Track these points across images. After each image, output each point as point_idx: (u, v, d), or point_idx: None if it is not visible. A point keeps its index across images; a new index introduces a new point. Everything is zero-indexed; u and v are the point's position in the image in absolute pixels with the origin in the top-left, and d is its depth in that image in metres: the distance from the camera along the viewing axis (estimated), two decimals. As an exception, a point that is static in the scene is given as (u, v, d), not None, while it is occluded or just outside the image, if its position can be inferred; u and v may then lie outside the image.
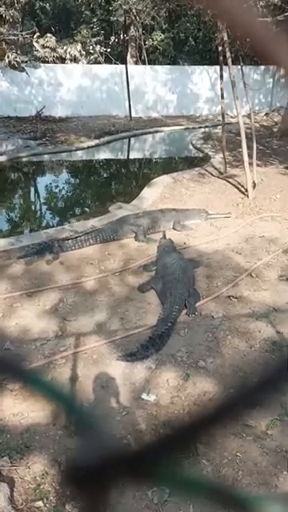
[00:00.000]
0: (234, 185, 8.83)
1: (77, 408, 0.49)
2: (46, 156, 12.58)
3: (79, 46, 21.55)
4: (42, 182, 11.08)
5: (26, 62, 13.64)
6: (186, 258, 5.40)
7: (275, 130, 14.75)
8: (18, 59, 15.02)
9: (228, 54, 7.85)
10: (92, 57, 22.11)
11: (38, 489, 2.62)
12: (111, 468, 0.41)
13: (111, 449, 0.42)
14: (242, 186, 8.51)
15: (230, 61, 7.87)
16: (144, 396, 3.33)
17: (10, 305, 4.59)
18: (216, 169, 10.09)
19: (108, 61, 21.85)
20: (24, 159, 12.05)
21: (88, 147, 13.34)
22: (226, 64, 8.07)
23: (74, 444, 2.88)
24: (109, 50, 21.93)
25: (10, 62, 14.80)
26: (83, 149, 13.23)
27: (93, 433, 0.44)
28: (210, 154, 11.87)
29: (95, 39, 22.10)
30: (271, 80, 19.96)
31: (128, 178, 11.61)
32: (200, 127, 16.83)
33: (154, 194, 8.37)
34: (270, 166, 10.37)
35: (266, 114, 18.88)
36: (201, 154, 12.62)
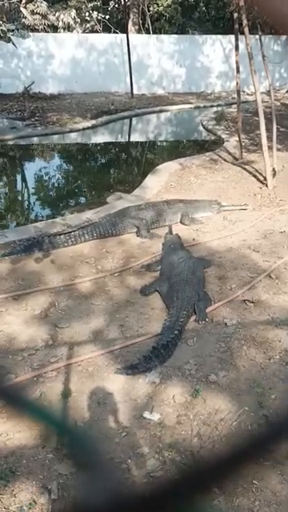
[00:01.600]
0: (250, 172, 8.81)
1: (69, 429, 0.49)
2: (35, 139, 12.58)
3: (73, 13, 21.54)
4: (31, 168, 11.09)
5: (13, 30, 13.62)
6: (195, 257, 5.39)
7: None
8: (3, 28, 15.00)
9: (245, 22, 7.82)
10: (88, 25, 22.09)
11: (24, 520, 2.63)
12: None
13: (122, 491, 0.42)
14: (261, 174, 8.49)
15: (246, 29, 7.83)
16: (147, 415, 3.33)
17: (-6, 309, 4.60)
18: (230, 154, 10.06)
19: (106, 29, 21.83)
20: (10, 142, 12.05)
21: (83, 129, 13.34)
22: (243, 33, 8.03)
23: (65, 469, 2.89)
24: (107, 16, 21.89)
25: (-6, 30, 14.77)
26: (78, 130, 13.23)
27: (98, 469, 0.44)
28: (224, 136, 11.85)
29: (92, 4, 22.07)
30: (294, 51, 19.89)
31: (129, 165, 11.61)
32: (212, 106, 16.81)
33: (159, 183, 8.36)
34: (293, 151, 10.34)
35: (288, 91, 18.82)
36: (213, 137, 12.60)
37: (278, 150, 8.48)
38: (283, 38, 19.53)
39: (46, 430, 0.49)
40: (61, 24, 21.41)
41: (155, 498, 0.41)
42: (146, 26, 22.18)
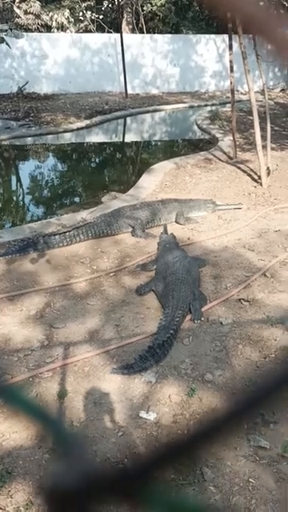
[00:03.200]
0: (245, 171, 8.83)
1: (63, 429, 0.49)
2: (29, 139, 12.56)
3: (67, 13, 21.51)
4: (25, 168, 11.06)
5: (6, 30, 13.59)
6: (190, 256, 5.39)
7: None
8: (-4, 27, 14.95)
9: (238, 21, 7.83)
10: (82, 24, 22.07)
11: (21, 521, 2.62)
12: (96, 490, 0.41)
13: (95, 469, 0.42)
14: (255, 173, 8.51)
15: (240, 29, 7.85)
16: (143, 414, 3.34)
17: (-11, 310, 4.59)
18: (225, 153, 10.08)
19: (100, 29, 21.81)
20: (4, 142, 12.01)
21: (77, 129, 13.32)
22: (236, 32, 8.05)
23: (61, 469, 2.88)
24: (101, 16, 21.88)
25: (-13, 30, 14.72)
26: (72, 130, 13.21)
27: (76, 452, 0.44)
28: (218, 136, 11.87)
29: (85, 4, 22.05)
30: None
31: (123, 164, 11.60)
32: (206, 105, 16.82)
33: (154, 183, 8.36)
34: (287, 150, 10.37)
35: (282, 90, 18.88)
36: (207, 136, 12.61)
37: (272, 148, 8.51)
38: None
39: (43, 430, 0.49)
40: (54, 24, 21.39)
41: (129, 475, 0.41)
42: (140, 25, 22.18)
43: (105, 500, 0.41)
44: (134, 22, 22.37)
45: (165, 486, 0.40)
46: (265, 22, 0.41)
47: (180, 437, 0.40)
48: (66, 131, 13.08)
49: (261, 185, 8.00)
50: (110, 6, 21.69)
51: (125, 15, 21.68)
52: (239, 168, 9.04)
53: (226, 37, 11.34)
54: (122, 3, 20.23)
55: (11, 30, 13.57)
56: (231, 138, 9.90)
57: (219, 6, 0.41)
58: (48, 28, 21.18)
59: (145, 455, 0.41)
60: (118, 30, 18.63)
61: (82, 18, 21.85)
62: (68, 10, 21.70)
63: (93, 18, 21.87)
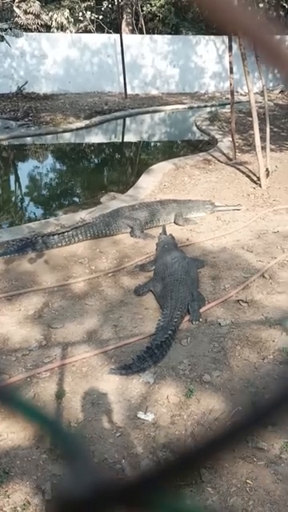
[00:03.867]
0: (244, 172, 8.84)
1: (62, 430, 0.49)
2: (28, 139, 12.55)
3: (67, 13, 21.51)
4: (24, 168, 11.06)
5: (6, 30, 13.59)
6: (188, 257, 5.40)
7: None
8: (-4, 27, 14.95)
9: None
10: (82, 25, 22.07)
11: (18, 521, 2.62)
12: (103, 500, 0.42)
13: (103, 478, 0.42)
14: (254, 174, 8.52)
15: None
16: (141, 415, 3.34)
17: (-13, 310, 4.59)
18: (224, 154, 10.09)
19: (100, 29, 21.82)
20: (3, 142, 12.00)
21: (77, 129, 13.32)
22: (236, 33, 8.05)
23: (59, 469, 2.88)
24: (101, 16, 21.89)
25: (-14, 30, 14.72)
26: (71, 130, 13.21)
27: (82, 459, 0.45)
28: (217, 137, 11.87)
29: (85, 4, 22.05)
30: None
31: (122, 165, 11.60)
32: (205, 106, 16.83)
33: (153, 183, 8.37)
34: (286, 151, 10.38)
35: (282, 92, 18.90)
36: (206, 137, 12.62)
37: (272, 150, 8.51)
38: (277, 37, 19.57)
39: (40, 430, 0.50)
40: (54, 24, 21.38)
41: (137, 486, 0.41)
42: (140, 26, 22.19)
43: (110, 510, 0.41)
44: (134, 22, 22.38)
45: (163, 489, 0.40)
46: (251, 27, 0.41)
47: (186, 452, 0.41)
48: (65, 131, 13.07)
49: (260, 186, 8.01)
50: (110, 6, 21.70)
51: (124, 16, 21.69)
52: (238, 169, 9.04)
53: (225, 38, 11.35)
54: (121, 4, 20.24)
55: (11, 29, 13.58)
56: (230, 139, 9.91)
57: (201, 5, 0.41)
58: (47, 28, 21.18)
59: (151, 469, 0.41)
60: (118, 30, 18.63)
61: (82, 18, 21.85)
62: (68, 10, 21.70)
63: (92, 18, 21.87)
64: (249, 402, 3.39)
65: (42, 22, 20.52)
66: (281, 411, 0.40)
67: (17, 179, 10.49)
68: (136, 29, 22.29)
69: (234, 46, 9.01)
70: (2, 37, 12.82)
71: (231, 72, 9.13)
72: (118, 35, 17.66)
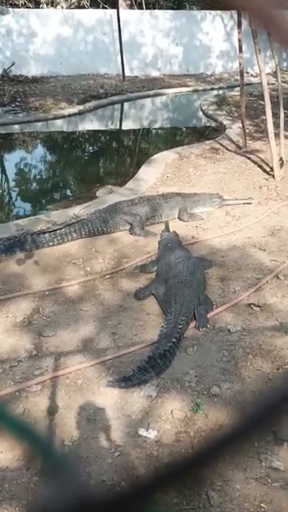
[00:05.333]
0: (255, 162, 8.83)
1: (54, 450, 0.49)
2: (15, 126, 12.56)
3: (58, -14, 21.49)
4: (12, 159, 11.06)
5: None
6: (194, 256, 5.40)
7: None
8: (-21, 3, 15.00)
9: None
10: (74, -1, 22.07)
11: None
12: None
13: (89, 492, 0.43)
14: (267, 164, 8.52)
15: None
16: (142, 432, 3.34)
17: (-29, 316, 4.59)
18: (233, 142, 10.09)
19: (95, 4, 21.81)
20: (-12, 131, 12.02)
21: (69, 115, 13.33)
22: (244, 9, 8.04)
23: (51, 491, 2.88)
24: (95, -10, 21.89)
25: None
26: (63, 117, 13.22)
27: (67, 473, 0.45)
28: (226, 123, 11.88)
29: (78, -23, 22.06)
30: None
31: (121, 155, 11.61)
32: (212, 89, 16.85)
33: (154, 175, 8.37)
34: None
35: (297, 72, 18.89)
36: (213, 124, 12.63)
37: (286, 137, 8.51)
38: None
39: (30, 450, 0.50)
40: (44, -2, 21.39)
41: (123, 500, 0.42)
42: (139, 0, 22.19)
43: None
44: (132, -4, 22.39)
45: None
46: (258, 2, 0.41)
47: (182, 456, 0.41)
48: (56, 118, 13.08)
49: (273, 177, 8.01)
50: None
51: (122, -11, 21.71)
52: (249, 158, 9.04)
53: (234, 13, 11.35)
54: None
55: (-4, 5, 13.60)
56: (240, 126, 9.91)
57: None
58: (36, 3, 21.17)
59: (144, 476, 0.42)
60: (115, 5, 18.60)
61: (75, -7, 21.87)
62: (59, -16, 21.72)
63: (86, -8, 21.89)
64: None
65: (31, -3, 20.53)
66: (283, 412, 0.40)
67: (3, 171, 10.49)
68: (135, 3, 22.28)
69: (244, 22, 9.00)
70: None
71: (240, 51, 9.12)
72: (115, 10, 17.66)
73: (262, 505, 2.86)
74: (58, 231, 5.89)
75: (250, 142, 9.91)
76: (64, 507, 0.41)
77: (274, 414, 0.40)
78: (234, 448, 0.40)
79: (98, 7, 21.18)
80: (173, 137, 12.92)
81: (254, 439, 0.42)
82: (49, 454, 0.49)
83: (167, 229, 6.11)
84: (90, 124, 13.72)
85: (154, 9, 21.41)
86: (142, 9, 21.14)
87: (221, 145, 10.00)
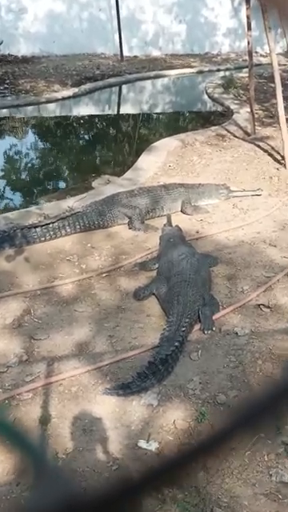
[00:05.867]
0: (265, 150, 8.82)
1: (45, 460, 0.50)
2: (4, 111, 12.53)
3: None
4: (0, 147, 11.04)
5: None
6: (199, 253, 5.40)
7: None
8: None
9: None
10: (68, -28, 22.00)
11: None
12: None
13: (72, 494, 0.44)
14: (277, 152, 8.50)
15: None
16: (142, 444, 3.34)
17: None
18: (241, 128, 10.07)
19: (90, -23, 21.74)
20: (-26, 115, 12.00)
21: (63, 98, 13.29)
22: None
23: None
24: None
25: None
26: (56, 100, 13.18)
27: (51, 472, 0.46)
28: (233, 107, 11.85)
29: None
30: None
31: (118, 142, 11.59)
32: (218, 70, 16.80)
33: (155, 164, 8.36)
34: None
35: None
36: (219, 108, 12.60)
37: (299, 123, 8.50)
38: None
39: (22, 462, 0.50)
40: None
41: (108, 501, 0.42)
42: (138, -27, 22.13)
43: None
44: None
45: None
46: None
47: (166, 457, 0.43)
48: (49, 101, 13.04)
49: (284, 166, 8.00)
50: None
51: None
52: (258, 146, 9.02)
53: (242, -13, 11.30)
54: None
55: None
56: (249, 110, 9.89)
57: None
58: (27, -24, 21.10)
59: (130, 476, 0.43)
60: (112, -22, 18.57)
61: None
62: None
63: None
64: (273, 427, 3.39)
65: None
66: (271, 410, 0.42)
67: (-9, 160, 10.47)
68: (134, -24, 22.22)
69: (253, -3, 8.98)
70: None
71: (249, 28, 9.09)
72: (112, -16, 17.60)
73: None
74: (51, 225, 5.89)
75: (260, 128, 9.88)
76: (51, 508, 0.42)
77: (262, 411, 0.42)
78: (222, 447, 0.42)
79: (93, -20, 21.11)
80: (175, 122, 12.90)
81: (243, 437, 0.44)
82: (37, 457, 0.50)
83: (169, 223, 6.10)
84: (86, 108, 13.68)
85: (155, -18, 21.34)
86: (142, -18, 21.08)
87: (228, 131, 9.98)
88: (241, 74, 14.84)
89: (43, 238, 5.84)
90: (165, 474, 0.44)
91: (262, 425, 0.43)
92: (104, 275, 5.27)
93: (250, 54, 9.40)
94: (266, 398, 0.42)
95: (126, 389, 3.73)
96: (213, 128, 10.35)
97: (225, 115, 11.68)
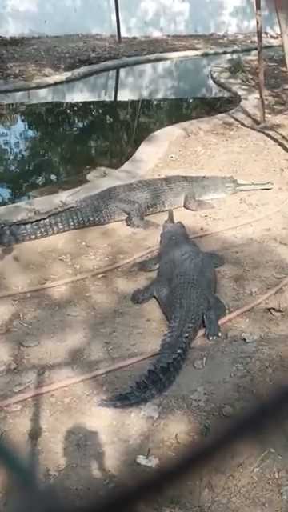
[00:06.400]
0: (276, 140, 8.82)
1: (34, 479, 0.50)
2: (-9, 97, 12.53)
3: None
4: (-14, 136, 11.05)
5: None
6: (203, 252, 5.40)
7: None
8: None
9: None
10: None
11: None
12: None
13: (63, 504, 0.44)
14: (289, 142, 8.51)
15: None
16: (141, 460, 3.34)
17: None
18: (249, 116, 10.07)
19: None
20: None
21: (55, 83, 13.30)
22: None
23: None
24: None
25: None
26: (48, 86, 13.19)
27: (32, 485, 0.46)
28: (241, 93, 11.85)
29: None
30: None
31: (116, 131, 11.59)
32: (225, 53, 16.80)
33: (156, 155, 8.36)
34: None
35: None
36: (226, 94, 12.61)
37: (312, 110, 8.52)
38: None
39: (8, 480, 0.50)
40: None
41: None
42: None
43: None
44: None
45: None
46: None
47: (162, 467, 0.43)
48: (39, 87, 13.05)
49: (297, 158, 8.01)
50: None
51: None
52: (268, 135, 9.03)
53: None
54: None
55: None
56: (258, 96, 9.89)
57: None
58: None
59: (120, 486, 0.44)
60: None
61: None
62: None
63: None
64: (284, 441, 3.39)
65: None
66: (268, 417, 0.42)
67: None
68: None
69: (263, -27, 8.99)
70: None
71: (258, 7, 9.09)
72: None
73: None
74: (42, 222, 5.89)
75: (270, 115, 9.89)
76: None
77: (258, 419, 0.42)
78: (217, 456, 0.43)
79: None
80: (178, 109, 12.90)
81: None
82: (24, 475, 0.50)
83: (171, 219, 6.11)
84: (80, 94, 13.69)
85: None
86: None
87: (235, 119, 9.98)
88: (249, 57, 14.86)
89: (33, 236, 5.84)
90: (161, 484, 0.44)
91: (266, 432, 0.43)
92: (100, 276, 5.27)
93: (260, 35, 9.40)
94: (268, 404, 0.42)
95: (123, 400, 3.72)
96: (219, 116, 10.35)
97: (232, 102, 11.68)
